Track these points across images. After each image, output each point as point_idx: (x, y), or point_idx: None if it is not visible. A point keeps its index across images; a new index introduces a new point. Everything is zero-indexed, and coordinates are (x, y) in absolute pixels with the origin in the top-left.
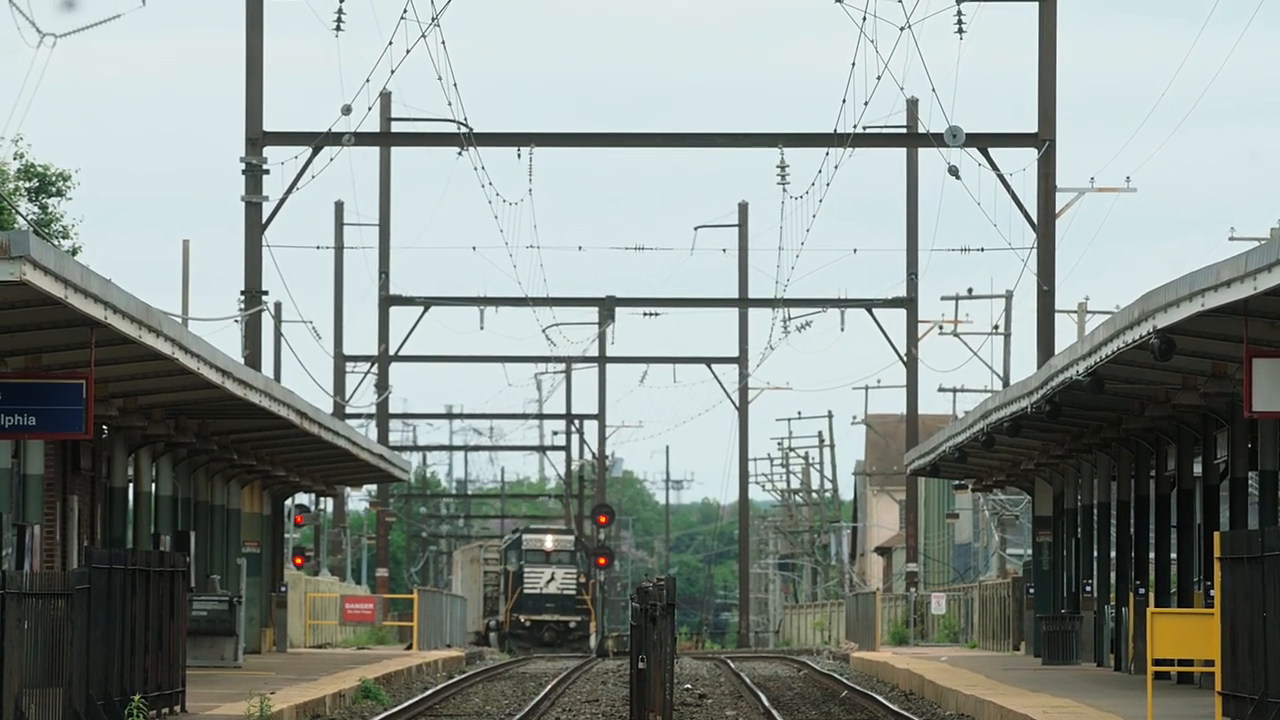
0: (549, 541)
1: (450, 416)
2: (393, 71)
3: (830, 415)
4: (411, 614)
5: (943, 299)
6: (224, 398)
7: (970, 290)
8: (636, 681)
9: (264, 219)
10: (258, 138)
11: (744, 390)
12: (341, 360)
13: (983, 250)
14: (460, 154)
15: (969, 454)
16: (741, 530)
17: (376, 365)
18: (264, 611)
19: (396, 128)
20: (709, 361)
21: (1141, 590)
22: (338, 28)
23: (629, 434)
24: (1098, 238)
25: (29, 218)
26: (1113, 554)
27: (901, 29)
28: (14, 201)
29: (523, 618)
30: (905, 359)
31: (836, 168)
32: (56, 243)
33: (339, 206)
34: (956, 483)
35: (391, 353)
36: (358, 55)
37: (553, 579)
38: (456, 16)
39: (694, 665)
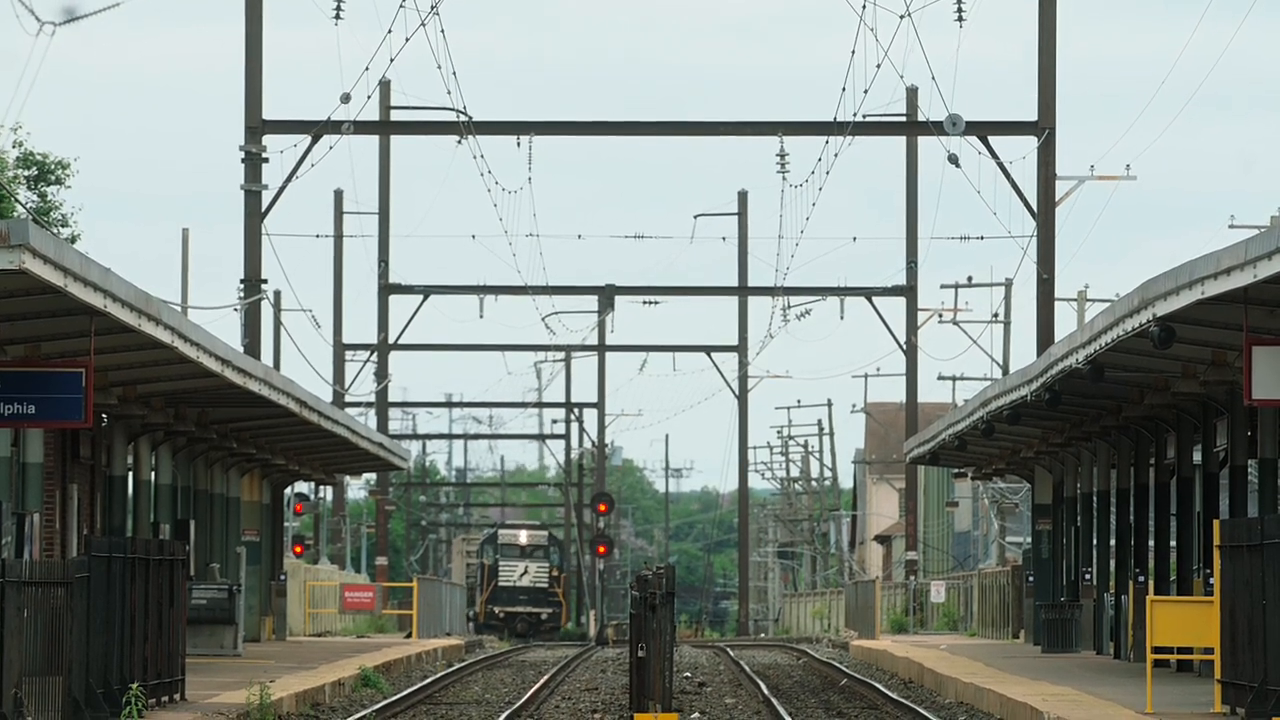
0: (523, 536)
1: (450, 405)
2: (392, 60)
3: (830, 403)
4: (411, 602)
5: (942, 287)
6: (223, 386)
7: (970, 278)
8: (636, 669)
9: (263, 207)
10: (257, 126)
11: (743, 378)
12: (341, 349)
13: (982, 238)
14: (459, 142)
15: (968, 442)
16: (741, 519)
17: (376, 354)
18: (263, 600)
19: (396, 116)
20: (708, 350)
21: (1141, 578)
22: (337, 16)
23: (628, 422)
24: (1097, 226)
25: (28, 206)
26: (1112, 542)
27: (901, 17)
28: (13, 189)
29: (497, 609)
30: (905, 347)
31: (836, 156)
32: (55, 231)
33: (338, 195)
34: (956, 471)
35: (391, 341)
36: (357, 44)
37: (526, 572)
38: (456, 5)
39: (693, 653)
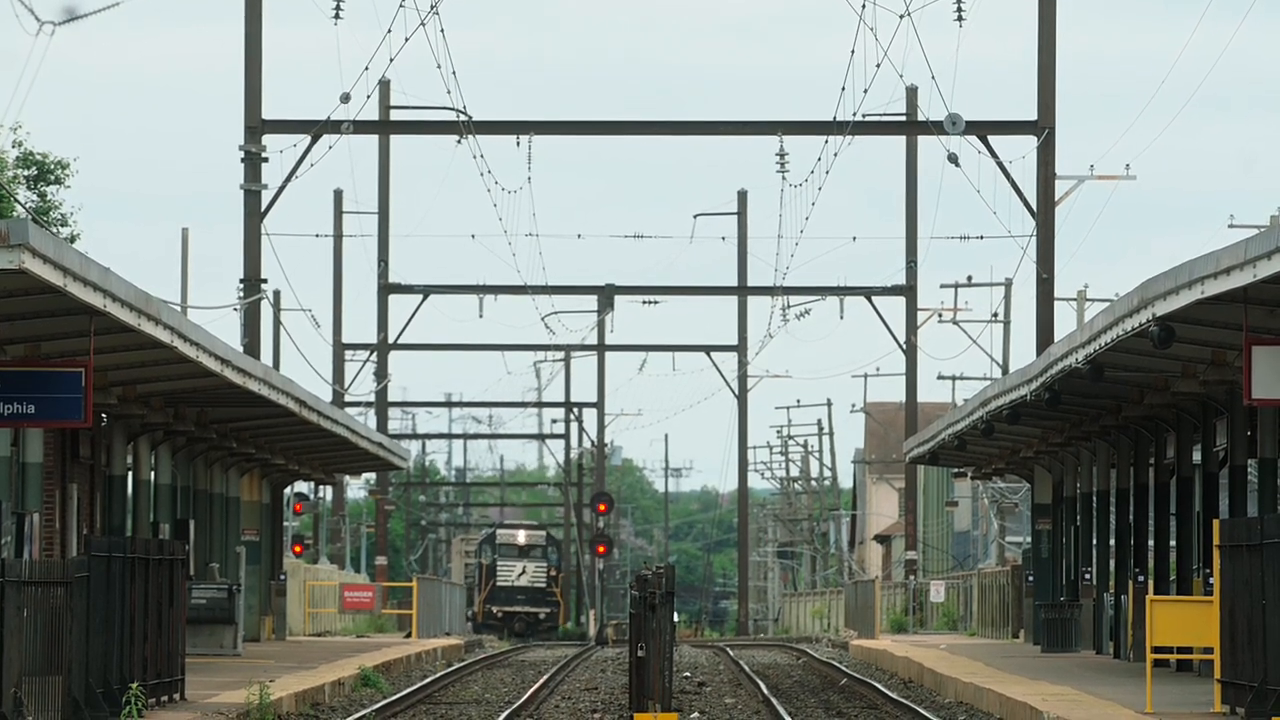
0: (521, 536)
1: (449, 405)
2: (391, 60)
3: (829, 403)
4: (411, 602)
5: (942, 287)
6: (223, 386)
7: (970, 278)
8: (636, 669)
9: (263, 207)
10: (257, 125)
11: (743, 378)
12: (340, 348)
13: (982, 238)
14: (459, 142)
15: (968, 442)
16: (741, 518)
17: (375, 353)
18: (263, 600)
19: (395, 116)
20: (708, 349)
21: (1141, 578)
22: (337, 16)
23: (628, 422)
24: (1097, 226)
25: (27, 206)
26: (1112, 542)
27: (901, 17)
28: (12, 189)
29: (495, 609)
30: (904, 347)
31: (836, 156)
32: (55, 231)
33: (338, 195)
34: (956, 470)
35: (390, 341)
36: (357, 44)
37: (524, 572)
38: (456, 5)
39: (693, 653)
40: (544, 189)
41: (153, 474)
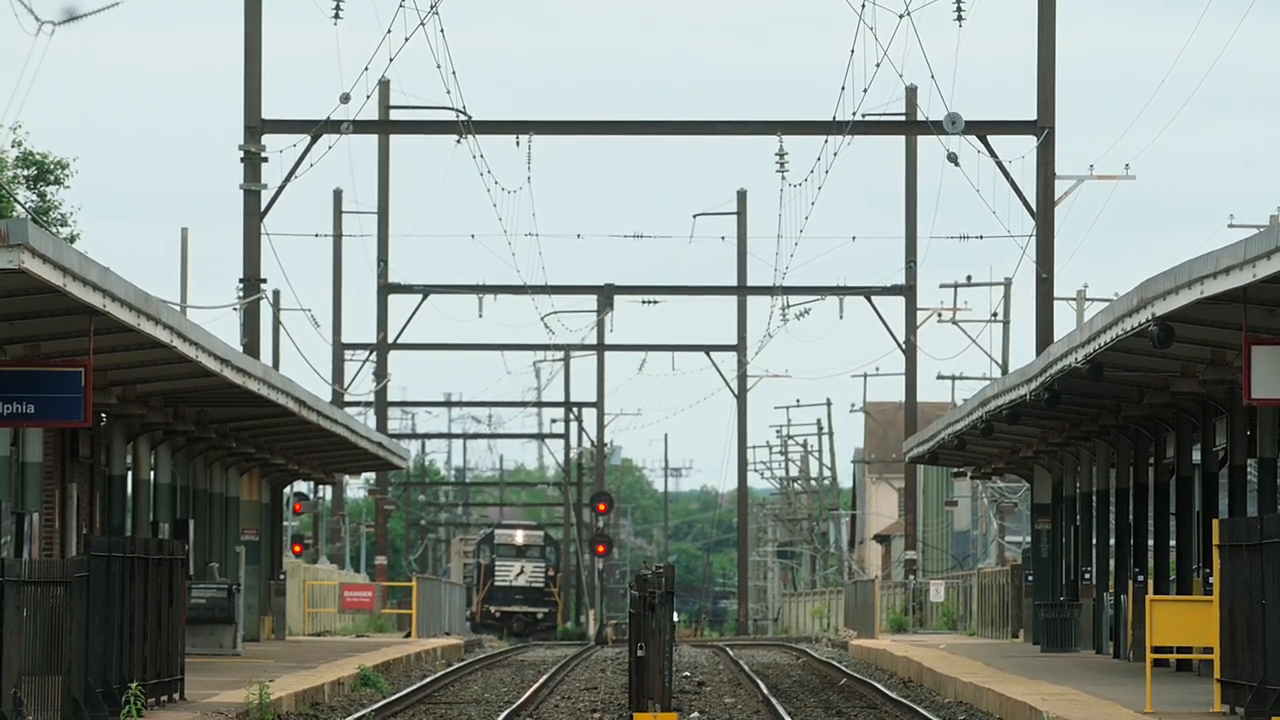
0: (519, 536)
1: (449, 404)
2: (391, 59)
3: (829, 403)
4: (410, 602)
5: (942, 286)
6: (222, 385)
7: (969, 278)
8: (635, 669)
9: (263, 207)
10: (256, 125)
11: (743, 378)
12: (340, 348)
13: (981, 238)
14: (459, 142)
15: (968, 441)
16: (740, 518)
17: (375, 353)
18: (263, 599)
19: (395, 116)
20: (708, 349)
21: (1140, 578)
22: (336, 16)
23: (628, 422)
24: (1097, 225)
25: (27, 205)
26: (1112, 541)
27: (901, 17)
28: (12, 189)
29: (493, 609)
30: (904, 346)
31: (835, 155)
32: (54, 231)
33: (338, 194)
34: (955, 470)
35: (390, 341)
36: (357, 44)
37: (522, 572)
38: (456, 5)
39: (693, 653)
40: (544, 189)
41: (152, 474)
